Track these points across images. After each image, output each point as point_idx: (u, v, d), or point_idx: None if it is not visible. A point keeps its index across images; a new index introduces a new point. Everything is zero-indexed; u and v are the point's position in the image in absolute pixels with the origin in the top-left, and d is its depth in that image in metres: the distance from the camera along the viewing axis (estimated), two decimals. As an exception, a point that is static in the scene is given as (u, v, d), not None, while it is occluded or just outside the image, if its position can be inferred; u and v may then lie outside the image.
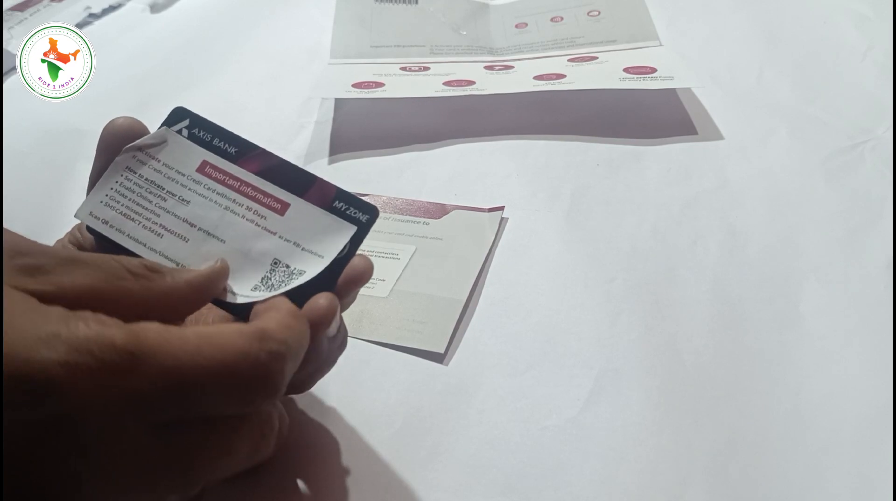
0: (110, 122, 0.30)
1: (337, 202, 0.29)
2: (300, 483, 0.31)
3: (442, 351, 0.36)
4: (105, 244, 0.29)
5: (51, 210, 0.48)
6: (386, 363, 0.36)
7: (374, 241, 0.42)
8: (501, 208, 0.44)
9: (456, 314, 0.38)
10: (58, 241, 0.32)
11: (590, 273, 0.40)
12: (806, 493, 0.30)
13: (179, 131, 0.30)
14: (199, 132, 0.30)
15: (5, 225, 0.34)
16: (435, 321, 0.37)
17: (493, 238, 0.42)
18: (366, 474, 0.31)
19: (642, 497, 0.30)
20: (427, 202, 0.45)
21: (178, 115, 0.31)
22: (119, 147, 0.30)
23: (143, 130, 0.30)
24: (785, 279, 0.38)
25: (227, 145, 0.30)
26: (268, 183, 0.30)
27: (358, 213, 0.29)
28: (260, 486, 0.30)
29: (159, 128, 0.31)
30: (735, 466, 0.31)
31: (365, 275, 0.29)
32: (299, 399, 0.33)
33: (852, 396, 0.33)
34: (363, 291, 0.30)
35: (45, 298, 0.22)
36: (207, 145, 0.30)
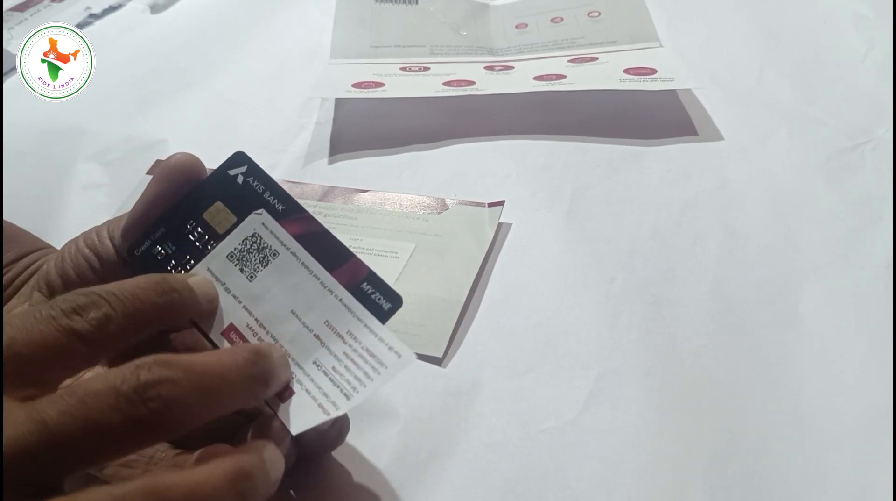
0: (170, 156, 0.30)
1: (365, 285, 0.28)
2: (299, 486, 0.31)
3: (440, 355, 0.36)
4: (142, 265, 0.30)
5: (51, 210, 0.48)
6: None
7: (373, 239, 0.42)
8: (502, 203, 0.44)
9: (455, 316, 0.38)
10: (70, 241, 0.32)
11: (590, 273, 0.40)
12: (806, 494, 0.29)
13: (235, 176, 0.30)
14: (252, 181, 0.30)
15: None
16: (433, 323, 0.37)
17: (492, 235, 0.42)
18: (365, 477, 0.31)
19: (642, 499, 0.30)
20: (428, 198, 0.45)
21: (238, 160, 0.31)
22: (177, 180, 0.30)
23: (201, 166, 0.30)
24: (785, 279, 0.38)
25: (276, 201, 0.30)
26: (303, 250, 0.29)
27: (381, 299, 0.28)
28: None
29: (218, 169, 0.31)
30: (735, 467, 0.31)
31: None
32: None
33: (852, 396, 0.33)
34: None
35: None
36: (258, 197, 0.30)
